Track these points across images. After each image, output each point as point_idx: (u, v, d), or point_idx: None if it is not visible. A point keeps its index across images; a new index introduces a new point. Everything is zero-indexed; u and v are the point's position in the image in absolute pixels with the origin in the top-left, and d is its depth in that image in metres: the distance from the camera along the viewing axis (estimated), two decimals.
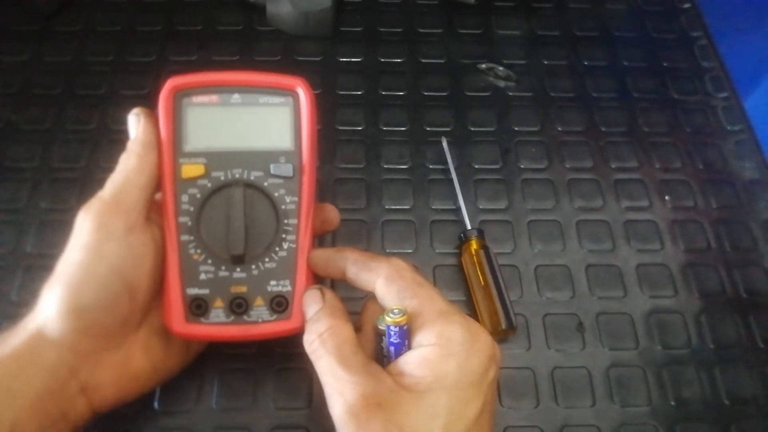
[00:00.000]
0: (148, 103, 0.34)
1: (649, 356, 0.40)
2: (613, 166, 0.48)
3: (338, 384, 0.28)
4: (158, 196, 0.34)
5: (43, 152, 0.46)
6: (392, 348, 0.30)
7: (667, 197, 0.47)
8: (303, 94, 0.35)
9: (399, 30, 0.56)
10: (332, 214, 0.37)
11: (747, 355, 0.40)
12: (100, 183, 0.32)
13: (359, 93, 0.51)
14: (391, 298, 0.30)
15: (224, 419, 0.37)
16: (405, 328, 0.29)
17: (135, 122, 0.34)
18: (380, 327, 0.31)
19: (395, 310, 0.29)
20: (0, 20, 0.53)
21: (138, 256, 0.32)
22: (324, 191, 0.46)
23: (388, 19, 0.56)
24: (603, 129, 0.50)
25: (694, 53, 0.56)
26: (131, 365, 0.33)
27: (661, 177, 0.48)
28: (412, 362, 0.29)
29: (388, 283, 0.31)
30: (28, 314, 0.31)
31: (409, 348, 0.30)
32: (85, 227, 0.31)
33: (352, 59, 0.53)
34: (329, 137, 0.48)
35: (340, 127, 0.49)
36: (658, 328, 0.41)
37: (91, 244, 0.31)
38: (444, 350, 0.28)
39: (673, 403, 0.39)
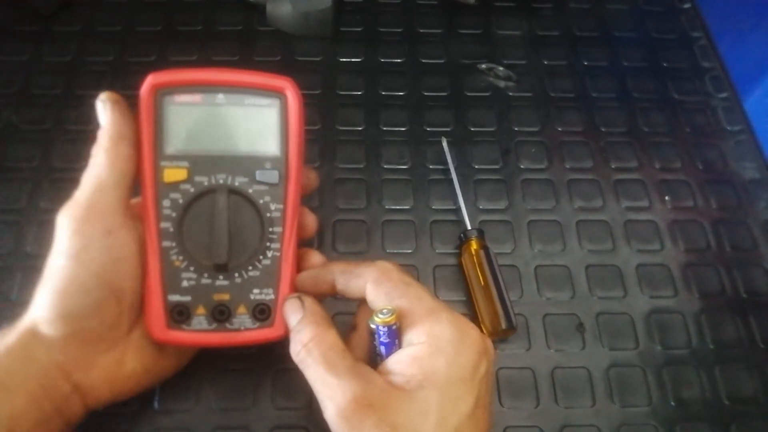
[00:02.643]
0: None
1: (649, 356, 0.40)
2: (613, 166, 0.48)
3: (328, 390, 0.28)
4: (136, 200, 0.33)
5: (43, 152, 0.46)
6: (383, 347, 0.30)
7: (667, 197, 0.47)
8: (291, 96, 0.34)
9: (399, 30, 0.56)
10: (308, 219, 0.36)
11: (747, 355, 0.40)
12: None
13: (359, 93, 0.51)
14: (381, 300, 0.31)
15: (224, 419, 0.37)
16: (394, 327, 0.29)
17: (102, 110, 0.32)
18: (371, 326, 0.31)
19: (384, 311, 0.29)
20: (0, 20, 0.53)
21: (119, 259, 0.31)
22: (324, 191, 0.46)
23: (388, 19, 0.56)
24: (603, 129, 0.50)
25: (694, 53, 0.56)
26: (124, 367, 0.33)
27: (661, 177, 0.48)
28: (402, 361, 0.29)
29: (376, 285, 0.31)
30: (23, 313, 0.31)
31: (400, 347, 0.30)
32: (63, 233, 0.31)
33: (352, 59, 0.53)
34: (329, 137, 0.48)
35: (340, 127, 0.49)
36: (658, 328, 0.41)
37: (70, 251, 0.30)
38: (433, 348, 0.28)
39: (673, 403, 0.39)
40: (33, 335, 0.30)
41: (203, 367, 0.37)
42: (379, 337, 0.30)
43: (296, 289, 0.34)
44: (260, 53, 0.53)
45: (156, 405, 0.37)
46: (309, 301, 0.32)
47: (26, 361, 0.30)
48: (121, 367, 0.32)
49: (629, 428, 0.38)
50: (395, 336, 0.30)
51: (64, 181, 0.45)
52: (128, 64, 0.51)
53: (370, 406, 0.27)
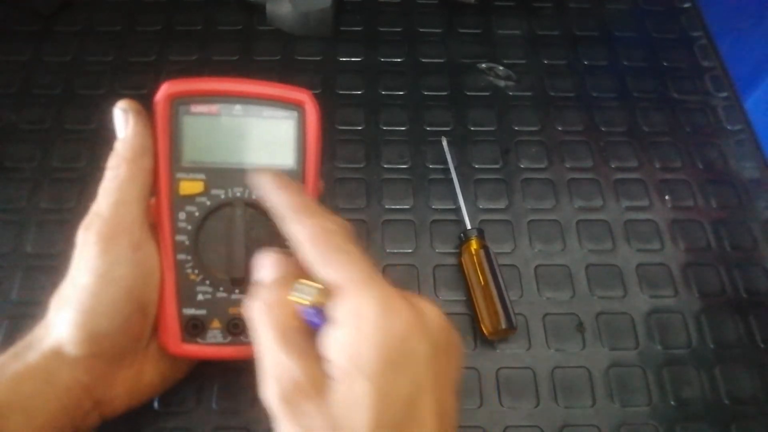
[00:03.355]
0: (147, 104, 0.33)
1: (649, 356, 0.40)
2: (613, 166, 0.48)
3: (275, 367, 0.26)
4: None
5: (43, 152, 0.46)
6: (310, 324, 0.26)
7: (667, 197, 0.47)
8: (309, 109, 0.33)
9: (399, 30, 0.56)
10: None
11: (747, 355, 0.40)
12: (99, 184, 0.32)
13: (359, 93, 0.51)
14: (310, 263, 0.27)
15: (224, 419, 0.37)
16: (315, 307, 0.26)
17: (123, 120, 0.31)
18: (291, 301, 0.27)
19: (301, 287, 0.26)
20: (0, 20, 0.53)
21: (147, 273, 0.31)
22: (324, 191, 0.46)
23: (388, 19, 0.56)
24: (603, 129, 0.50)
25: (694, 53, 0.56)
26: (143, 378, 0.33)
27: (661, 177, 0.48)
28: (330, 346, 0.25)
29: (312, 245, 0.27)
30: (37, 326, 0.31)
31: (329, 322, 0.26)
32: (89, 250, 0.30)
33: (352, 59, 0.53)
34: (329, 137, 0.48)
35: (340, 127, 0.49)
36: (658, 328, 0.41)
37: (99, 270, 0.29)
38: (356, 331, 0.25)
39: (673, 403, 0.39)
40: (57, 356, 0.29)
41: (204, 368, 0.37)
42: (302, 314, 0.26)
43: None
44: (260, 53, 0.53)
45: (156, 405, 0.37)
46: (292, 260, 0.29)
47: (49, 382, 0.29)
48: (140, 378, 0.32)
49: (629, 428, 0.38)
50: (320, 315, 0.26)
51: (64, 180, 0.45)
52: (128, 64, 0.51)
53: (311, 395, 0.24)
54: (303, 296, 0.26)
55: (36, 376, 0.29)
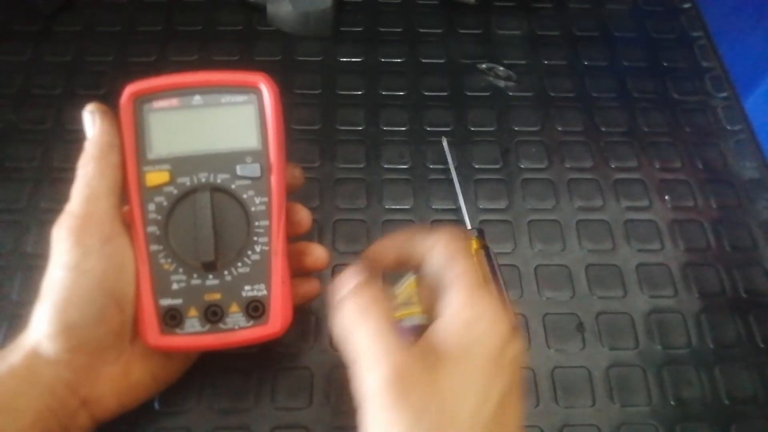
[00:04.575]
0: None
1: (649, 356, 0.40)
2: (613, 166, 0.48)
3: (374, 357, 0.26)
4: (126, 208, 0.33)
5: (43, 152, 0.46)
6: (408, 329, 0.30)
7: (667, 197, 0.47)
8: (266, 90, 0.34)
9: (399, 30, 0.56)
10: (301, 214, 0.36)
11: (747, 355, 0.40)
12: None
13: (359, 93, 0.51)
14: (444, 263, 0.29)
15: (224, 419, 0.37)
16: (416, 321, 0.30)
17: (90, 121, 0.33)
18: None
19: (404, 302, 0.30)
20: (0, 20, 0.53)
21: (118, 266, 0.31)
22: (324, 191, 0.46)
23: (388, 19, 0.56)
24: (603, 129, 0.50)
25: (694, 53, 0.56)
26: (130, 376, 0.32)
27: (661, 177, 0.48)
28: (438, 334, 0.27)
29: (445, 247, 0.29)
30: (24, 329, 0.31)
31: (437, 316, 0.29)
32: (61, 245, 0.30)
33: (352, 59, 0.53)
34: (329, 137, 0.48)
35: (340, 127, 0.49)
36: (658, 328, 0.41)
37: (70, 263, 0.30)
38: (467, 326, 0.27)
39: (673, 403, 0.39)
40: (36, 354, 0.30)
41: (204, 367, 0.37)
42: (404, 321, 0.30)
43: (283, 268, 0.33)
44: (260, 53, 0.53)
45: (156, 405, 0.37)
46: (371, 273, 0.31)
47: (31, 381, 0.29)
48: (127, 376, 0.32)
49: (629, 428, 0.38)
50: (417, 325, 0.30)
51: (64, 181, 0.44)
52: (128, 64, 0.51)
53: (414, 378, 0.26)
54: (407, 309, 0.30)
55: (18, 375, 0.29)
